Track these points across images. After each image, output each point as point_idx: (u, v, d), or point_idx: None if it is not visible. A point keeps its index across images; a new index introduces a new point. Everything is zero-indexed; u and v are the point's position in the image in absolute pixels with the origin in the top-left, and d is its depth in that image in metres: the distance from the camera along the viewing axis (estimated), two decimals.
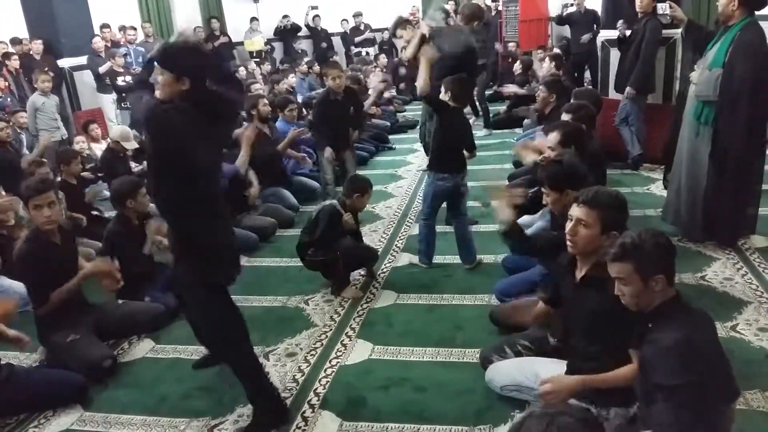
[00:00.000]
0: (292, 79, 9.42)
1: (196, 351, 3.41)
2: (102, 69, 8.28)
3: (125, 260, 3.79)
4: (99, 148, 6.89)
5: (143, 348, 3.54)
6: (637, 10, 5.51)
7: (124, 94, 8.41)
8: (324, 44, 12.25)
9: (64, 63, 8.47)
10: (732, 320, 3.26)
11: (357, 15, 12.19)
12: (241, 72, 9.88)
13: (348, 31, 12.34)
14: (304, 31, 12.29)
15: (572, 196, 2.68)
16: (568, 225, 2.34)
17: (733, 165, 3.87)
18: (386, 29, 12.34)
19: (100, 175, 5.80)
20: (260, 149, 5.54)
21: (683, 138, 4.09)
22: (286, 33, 12.10)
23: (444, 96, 4.03)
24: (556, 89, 4.99)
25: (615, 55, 6.14)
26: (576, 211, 2.31)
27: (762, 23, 3.76)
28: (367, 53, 11.82)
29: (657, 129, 5.61)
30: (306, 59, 10.70)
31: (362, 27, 12.23)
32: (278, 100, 6.57)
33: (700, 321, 2.01)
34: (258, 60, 11.16)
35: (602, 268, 2.16)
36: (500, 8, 11.12)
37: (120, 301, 3.81)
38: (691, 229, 4.17)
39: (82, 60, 8.53)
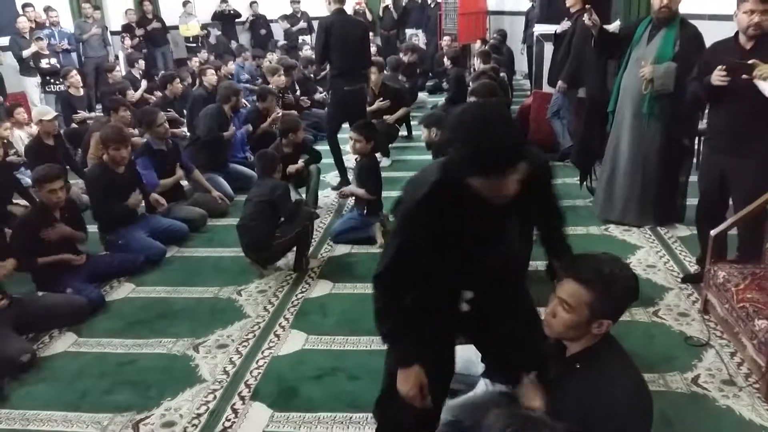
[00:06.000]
0: (230, 66, 9.21)
1: (121, 344, 3.31)
2: (26, 53, 7.89)
3: (42, 251, 3.60)
4: (23, 134, 6.56)
5: (65, 342, 3.38)
6: (567, 6, 5.63)
7: (48, 77, 8.03)
8: (263, 31, 12.02)
9: None
10: (654, 306, 3.39)
11: (294, 2, 12.00)
12: (194, 62, 9.46)
13: (284, 19, 12.16)
14: (243, 17, 12.02)
15: None
16: None
17: (684, 150, 4.16)
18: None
19: (25, 160, 5.54)
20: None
21: (620, 135, 4.25)
22: (225, 18, 11.81)
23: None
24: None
25: (549, 49, 6.27)
26: None
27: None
28: (303, 41, 11.67)
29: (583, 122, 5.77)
30: (244, 53, 10.41)
31: (299, 15, 12.04)
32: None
33: (635, 371, 1.77)
34: (194, 46, 10.85)
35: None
36: (439, 0, 11.18)
37: (40, 293, 3.63)
38: (643, 219, 4.37)
39: (4, 41, 8.08)
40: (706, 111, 5.06)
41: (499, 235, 1.95)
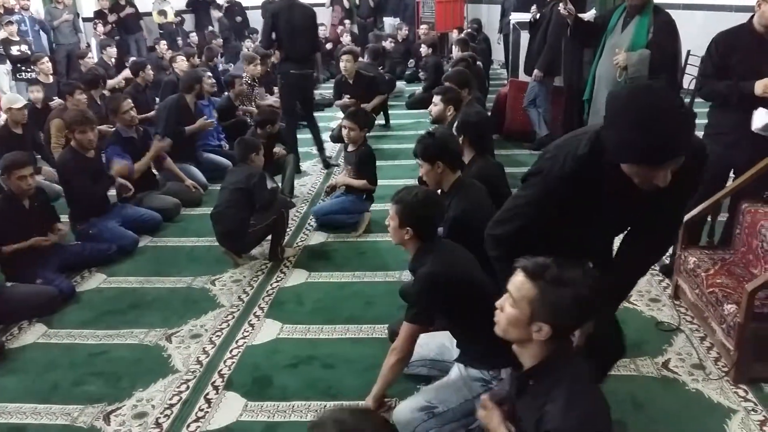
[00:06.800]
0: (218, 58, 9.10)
1: (92, 335, 3.26)
2: None
3: (10, 241, 3.53)
4: None
5: (34, 333, 3.32)
6: None
7: (19, 64, 7.84)
8: (239, 18, 11.88)
9: None
10: None
11: None
12: (163, 47, 9.30)
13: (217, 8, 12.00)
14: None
15: (443, 168, 2.80)
16: None
17: None
18: None
19: None
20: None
21: (596, 122, 4.24)
22: (199, 5, 11.63)
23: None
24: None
25: (525, 37, 6.28)
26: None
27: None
28: None
29: (563, 111, 5.80)
30: (216, 40, 10.25)
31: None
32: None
33: (596, 391, 1.64)
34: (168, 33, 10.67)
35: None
36: None
37: (9, 284, 3.56)
38: None
39: None
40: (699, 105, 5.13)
41: (624, 214, 1.89)
